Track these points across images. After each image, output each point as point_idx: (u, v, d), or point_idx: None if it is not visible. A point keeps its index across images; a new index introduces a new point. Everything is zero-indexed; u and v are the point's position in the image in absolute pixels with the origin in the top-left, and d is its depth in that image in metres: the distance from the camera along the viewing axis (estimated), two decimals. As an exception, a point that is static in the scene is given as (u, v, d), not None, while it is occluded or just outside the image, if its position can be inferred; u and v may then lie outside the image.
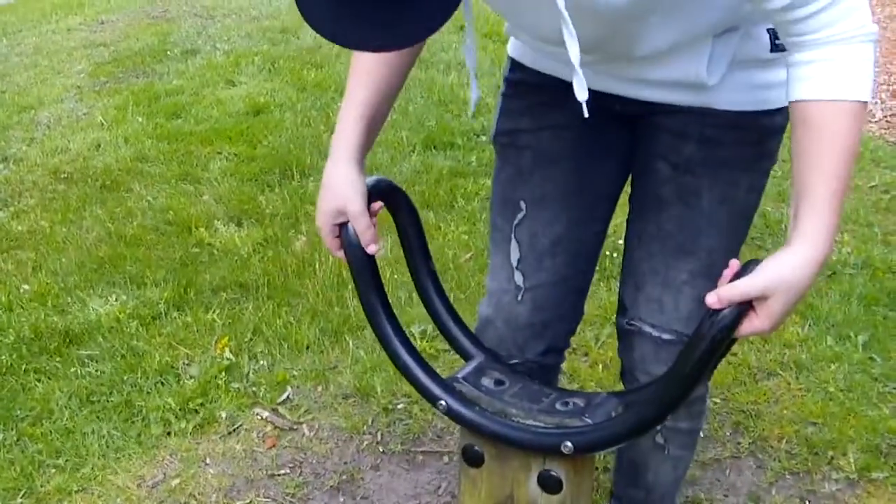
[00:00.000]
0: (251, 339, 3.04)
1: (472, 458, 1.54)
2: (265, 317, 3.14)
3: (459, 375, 1.55)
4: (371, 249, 1.54)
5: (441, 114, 4.84)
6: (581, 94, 1.35)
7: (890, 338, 3.00)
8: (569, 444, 1.40)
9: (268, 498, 2.45)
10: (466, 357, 1.64)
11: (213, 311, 3.18)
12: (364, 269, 1.56)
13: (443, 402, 1.49)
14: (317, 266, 3.38)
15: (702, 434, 2.58)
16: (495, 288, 1.81)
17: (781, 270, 1.26)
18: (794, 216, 1.31)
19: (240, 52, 6.02)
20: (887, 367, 2.87)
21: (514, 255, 1.76)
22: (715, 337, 1.28)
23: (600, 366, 2.86)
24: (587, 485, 1.53)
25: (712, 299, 1.27)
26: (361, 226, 1.52)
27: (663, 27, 1.42)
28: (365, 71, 1.59)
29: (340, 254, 1.57)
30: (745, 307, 1.27)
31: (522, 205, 1.73)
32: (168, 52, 6.15)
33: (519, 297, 1.78)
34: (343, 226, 1.54)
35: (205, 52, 6.13)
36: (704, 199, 1.63)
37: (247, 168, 4.31)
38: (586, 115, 1.37)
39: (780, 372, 2.85)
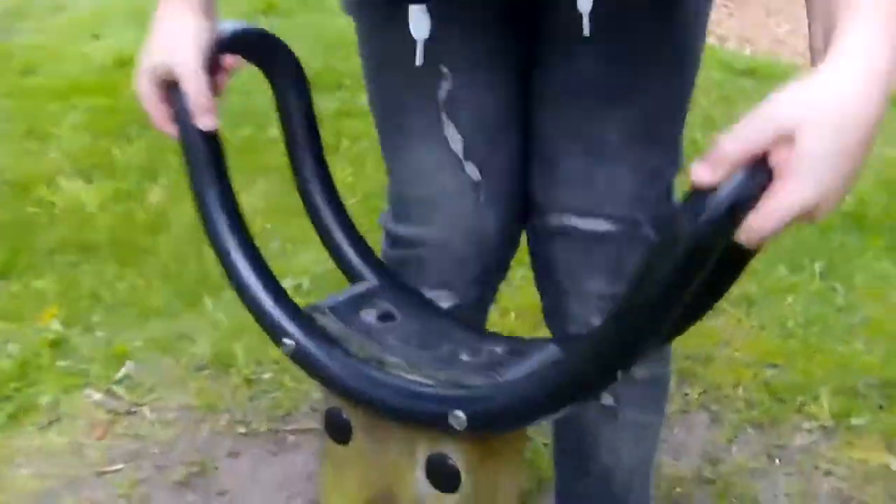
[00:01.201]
0: (88, 308, 2.50)
1: (336, 429, 1.05)
2: (106, 280, 2.61)
3: (326, 305, 1.06)
4: (204, 122, 1.08)
5: (327, 58, 4.37)
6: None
7: (850, 264, 2.64)
8: (459, 413, 0.89)
9: (94, 502, 1.91)
10: (354, 280, 1.16)
11: (46, 278, 2.64)
12: (197, 146, 1.11)
13: (289, 341, 1.02)
14: (171, 218, 2.86)
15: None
16: (438, 195, 1.27)
17: (809, 91, 0.73)
18: (818, 47, 0.80)
19: (107, 5, 5.55)
20: (851, 296, 2.51)
21: (455, 139, 1.23)
22: (700, 233, 0.71)
23: (513, 314, 2.40)
24: (507, 480, 1.02)
25: (703, 170, 0.71)
26: (192, 87, 1.08)
27: None
28: None
29: (170, 128, 1.13)
30: (752, 177, 0.72)
31: (444, 69, 1.20)
32: (32, 11, 5.61)
33: (481, 198, 1.25)
34: (175, 89, 1.11)
35: (70, 7, 5.63)
36: (639, 27, 1.14)
37: (105, 121, 3.80)
38: (419, 61, 1.12)
39: (729, 308, 2.44)
